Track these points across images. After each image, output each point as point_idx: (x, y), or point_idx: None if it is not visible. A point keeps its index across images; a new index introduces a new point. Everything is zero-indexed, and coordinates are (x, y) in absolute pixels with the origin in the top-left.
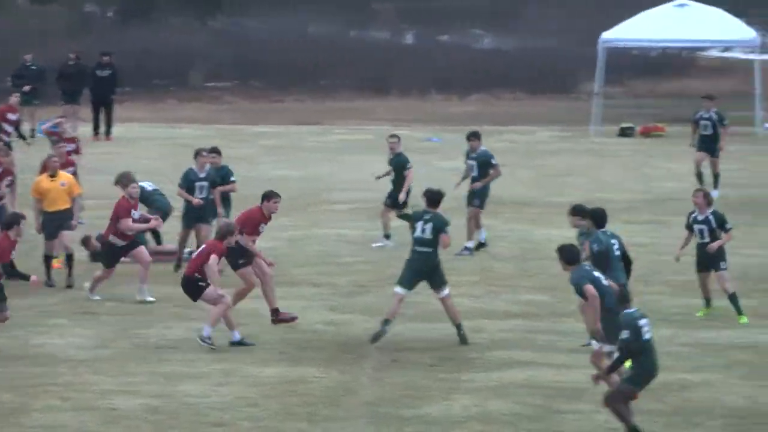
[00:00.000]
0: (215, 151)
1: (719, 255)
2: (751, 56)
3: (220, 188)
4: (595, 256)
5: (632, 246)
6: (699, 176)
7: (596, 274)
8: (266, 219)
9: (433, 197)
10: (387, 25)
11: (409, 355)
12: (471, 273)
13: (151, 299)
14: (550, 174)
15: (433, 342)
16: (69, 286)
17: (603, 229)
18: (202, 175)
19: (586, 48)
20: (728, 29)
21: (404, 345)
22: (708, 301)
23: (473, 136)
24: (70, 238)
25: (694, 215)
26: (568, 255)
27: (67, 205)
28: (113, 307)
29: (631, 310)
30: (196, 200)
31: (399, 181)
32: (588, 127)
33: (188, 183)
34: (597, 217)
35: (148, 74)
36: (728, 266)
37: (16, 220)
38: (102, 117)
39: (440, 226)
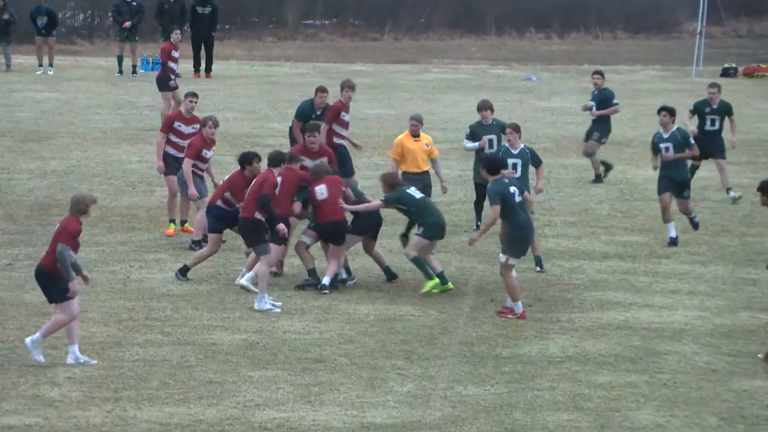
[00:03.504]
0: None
1: None
2: None
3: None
4: None
5: (732, 187)
6: None
7: (512, 189)
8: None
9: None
10: None
11: (505, 295)
12: (568, 214)
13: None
14: (649, 114)
15: (529, 282)
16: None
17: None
18: (666, 136)
19: None
20: None
21: (500, 285)
22: None
23: None
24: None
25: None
26: (490, 164)
27: (427, 167)
28: None
29: None
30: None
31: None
32: (689, 67)
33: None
34: None
35: (244, 12)
36: None
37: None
38: (202, 54)
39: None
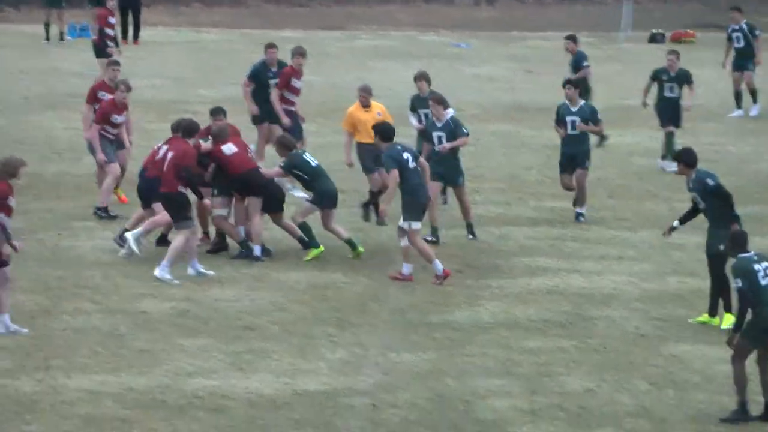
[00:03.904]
0: None
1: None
2: None
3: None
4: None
5: (650, 152)
6: (738, 97)
7: (405, 155)
8: None
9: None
10: None
11: (455, 263)
12: (497, 180)
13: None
14: None
15: (458, 248)
16: (380, 224)
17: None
18: (574, 109)
19: None
20: None
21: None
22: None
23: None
24: None
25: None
26: (382, 133)
27: None
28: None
29: (747, 254)
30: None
31: None
32: (617, 33)
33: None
34: None
35: None
36: None
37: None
38: (129, 21)
39: None
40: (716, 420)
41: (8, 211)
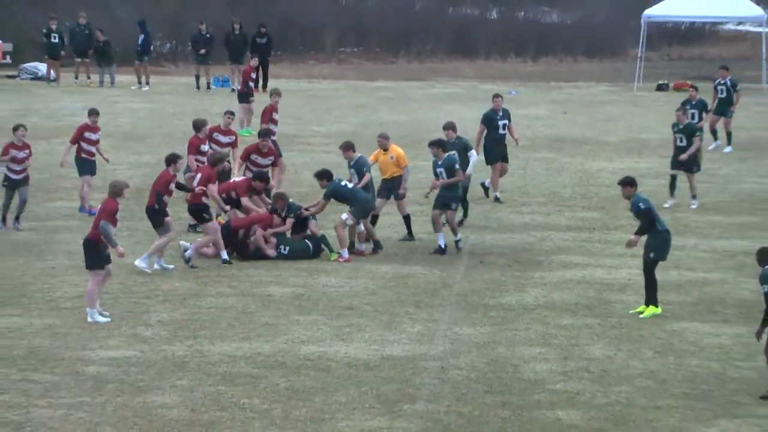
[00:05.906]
0: None
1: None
2: (759, 29)
3: None
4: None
5: (659, 175)
6: (714, 133)
7: (343, 183)
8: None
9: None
10: (476, 3)
11: (491, 258)
12: (540, 195)
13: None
14: (602, 119)
15: (509, 248)
16: (404, 239)
17: None
18: (440, 163)
19: (631, 21)
20: (742, 8)
21: (488, 250)
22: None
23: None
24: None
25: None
26: (323, 175)
27: (397, 173)
28: None
29: None
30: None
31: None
32: (632, 84)
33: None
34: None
35: (292, 40)
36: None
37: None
38: (260, 74)
39: None
40: (706, 380)
41: (115, 224)
